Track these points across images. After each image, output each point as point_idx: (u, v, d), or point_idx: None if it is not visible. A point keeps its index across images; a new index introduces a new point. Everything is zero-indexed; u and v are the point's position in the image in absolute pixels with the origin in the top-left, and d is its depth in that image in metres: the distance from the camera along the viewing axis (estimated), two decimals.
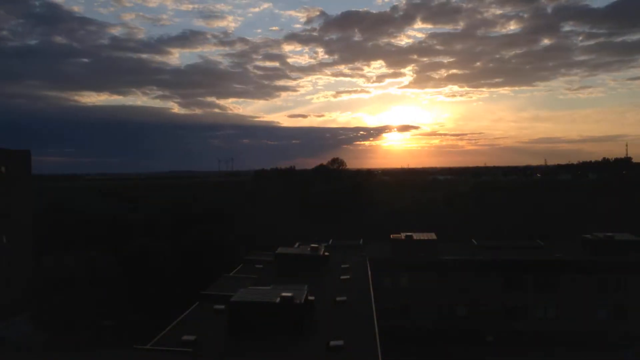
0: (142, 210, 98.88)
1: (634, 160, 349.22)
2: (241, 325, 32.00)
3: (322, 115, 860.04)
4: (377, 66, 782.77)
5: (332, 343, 29.18)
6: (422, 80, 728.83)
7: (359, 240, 74.29)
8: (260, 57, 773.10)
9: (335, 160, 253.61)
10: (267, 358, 28.13)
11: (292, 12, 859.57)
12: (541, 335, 59.21)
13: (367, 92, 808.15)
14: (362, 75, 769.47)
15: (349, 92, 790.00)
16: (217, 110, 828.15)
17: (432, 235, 68.18)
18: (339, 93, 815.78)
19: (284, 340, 30.41)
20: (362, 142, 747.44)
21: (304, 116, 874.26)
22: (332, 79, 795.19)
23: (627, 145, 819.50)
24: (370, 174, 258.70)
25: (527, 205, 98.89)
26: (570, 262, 61.68)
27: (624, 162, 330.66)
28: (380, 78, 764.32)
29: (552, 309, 60.94)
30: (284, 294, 33.04)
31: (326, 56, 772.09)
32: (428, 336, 59.69)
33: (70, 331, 56.71)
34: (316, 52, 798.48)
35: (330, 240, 74.29)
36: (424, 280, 62.73)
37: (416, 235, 67.92)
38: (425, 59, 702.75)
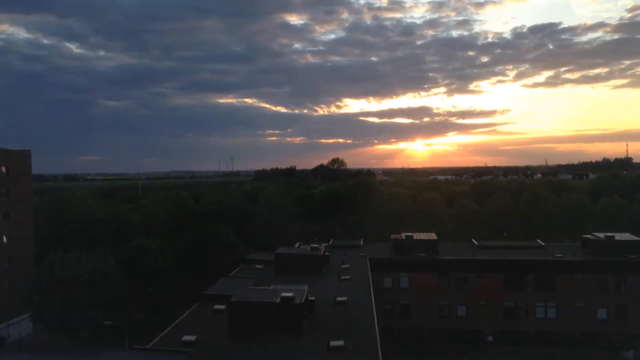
0: (142, 210, 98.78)
1: (634, 160, 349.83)
2: (241, 325, 32.02)
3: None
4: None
5: (332, 343, 29.21)
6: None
7: (359, 240, 74.39)
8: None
9: (335, 160, 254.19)
10: (267, 358, 28.15)
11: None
12: (541, 335, 59.19)
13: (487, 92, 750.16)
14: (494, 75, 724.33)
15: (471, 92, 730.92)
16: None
17: (433, 235, 68.27)
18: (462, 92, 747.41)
19: (284, 340, 30.43)
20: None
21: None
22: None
23: (627, 145, 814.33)
24: (370, 174, 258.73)
25: (527, 205, 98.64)
26: (570, 262, 61.65)
27: (625, 162, 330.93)
28: (518, 77, 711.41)
29: (552, 309, 60.91)
30: (284, 294, 33.08)
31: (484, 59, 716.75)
32: (428, 336, 59.68)
33: (70, 331, 56.68)
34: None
35: (331, 240, 74.37)
36: (424, 280, 62.72)
37: (416, 235, 68.01)
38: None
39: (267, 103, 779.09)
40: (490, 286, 61.85)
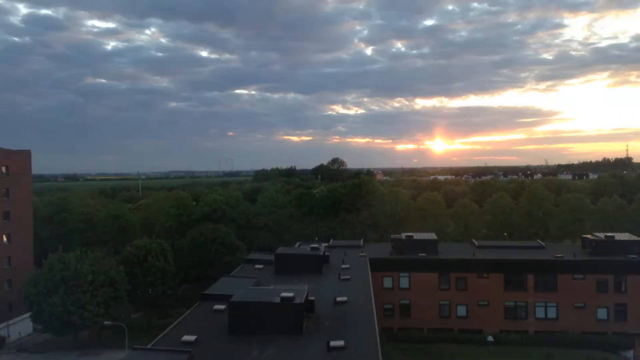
0: (142, 210, 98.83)
1: (634, 160, 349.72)
2: (241, 325, 32.02)
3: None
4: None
5: (332, 343, 29.19)
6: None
7: (359, 240, 74.40)
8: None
9: (335, 160, 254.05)
10: (267, 358, 28.16)
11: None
12: (541, 335, 59.20)
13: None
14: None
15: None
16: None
17: (433, 235, 68.31)
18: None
19: (284, 340, 30.44)
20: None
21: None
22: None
23: (627, 146, 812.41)
24: (370, 173, 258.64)
25: (527, 205, 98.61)
26: (570, 262, 61.66)
27: (625, 162, 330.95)
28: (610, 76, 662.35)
29: (552, 309, 60.92)
30: (284, 294, 33.06)
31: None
32: (428, 336, 59.68)
33: (70, 331, 56.73)
34: None
35: (330, 240, 74.39)
36: (424, 280, 62.73)
37: (416, 235, 68.04)
38: None
39: (338, 104, 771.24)
40: (490, 286, 61.85)
